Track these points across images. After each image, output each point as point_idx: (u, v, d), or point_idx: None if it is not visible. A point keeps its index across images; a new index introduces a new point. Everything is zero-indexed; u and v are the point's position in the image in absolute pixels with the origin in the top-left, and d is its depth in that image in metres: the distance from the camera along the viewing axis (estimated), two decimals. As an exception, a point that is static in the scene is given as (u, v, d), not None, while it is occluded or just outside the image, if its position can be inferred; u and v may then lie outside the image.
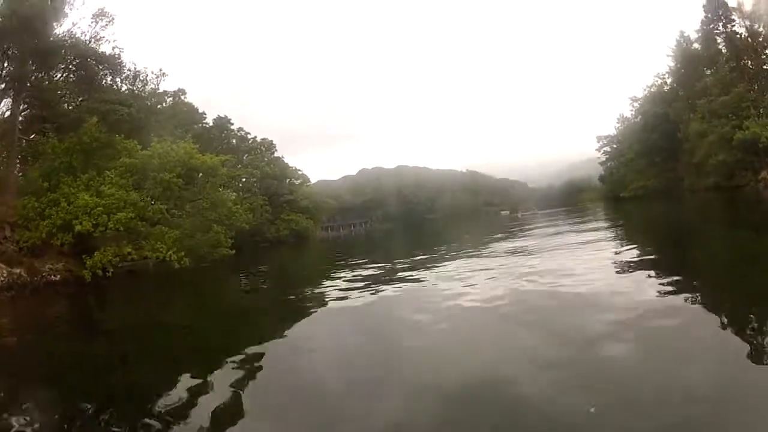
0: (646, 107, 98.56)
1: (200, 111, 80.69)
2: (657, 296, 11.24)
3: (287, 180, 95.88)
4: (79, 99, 39.02)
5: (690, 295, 11.13)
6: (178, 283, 32.41)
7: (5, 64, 36.57)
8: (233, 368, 9.84)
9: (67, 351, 14.25)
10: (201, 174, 40.30)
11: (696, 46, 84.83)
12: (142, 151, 38.89)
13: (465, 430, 6.19)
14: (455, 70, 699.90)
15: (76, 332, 18.63)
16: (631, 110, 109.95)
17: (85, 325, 20.29)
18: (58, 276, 31.92)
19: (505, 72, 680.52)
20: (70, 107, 37.95)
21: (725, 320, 8.82)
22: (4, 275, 29.23)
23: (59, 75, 39.62)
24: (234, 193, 50.47)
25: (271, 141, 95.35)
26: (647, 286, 12.79)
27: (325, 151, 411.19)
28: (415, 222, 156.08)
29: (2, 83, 36.15)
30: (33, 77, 37.79)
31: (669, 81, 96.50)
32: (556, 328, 9.75)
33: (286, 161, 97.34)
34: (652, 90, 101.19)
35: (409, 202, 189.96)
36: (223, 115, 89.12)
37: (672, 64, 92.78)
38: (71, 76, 40.13)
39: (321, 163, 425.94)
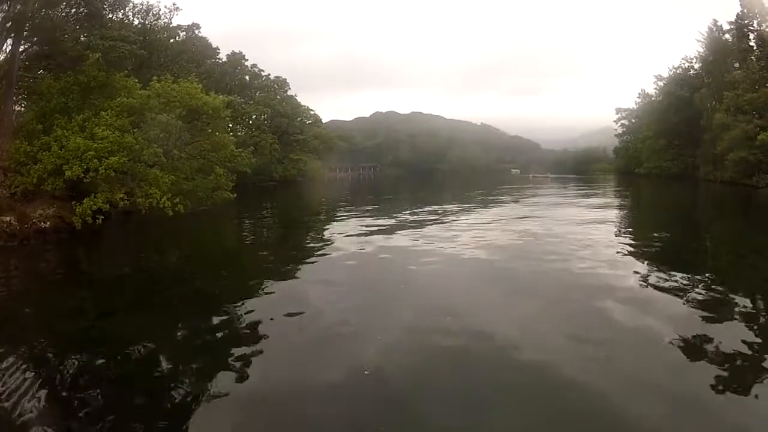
0: (670, 88, 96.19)
1: (214, 46, 77.71)
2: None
3: (298, 119, 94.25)
4: (81, 36, 37.26)
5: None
6: (174, 229, 32.79)
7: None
8: (224, 318, 10.93)
9: (55, 304, 14.46)
10: (203, 116, 38.80)
11: (727, 37, 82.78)
12: (141, 90, 37.21)
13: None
14: (477, 18, 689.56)
15: (63, 284, 18.57)
16: (655, 88, 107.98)
17: (73, 276, 20.09)
18: (48, 223, 30.13)
19: (530, 28, 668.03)
20: (71, 45, 36.11)
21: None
22: None
23: (63, 12, 37.80)
24: (233, 136, 48.45)
25: (285, 79, 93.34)
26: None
27: (339, 92, 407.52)
28: (425, 170, 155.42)
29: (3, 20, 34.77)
30: (36, 14, 36.07)
31: (696, 66, 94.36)
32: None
33: (299, 100, 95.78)
34: (678, 72, 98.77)
35: (421, 150, 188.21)
36: (237, 51, 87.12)
37: (701, 50, 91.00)
38: (77, 12, 38.43)
39: (335, 104, 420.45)
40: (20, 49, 34.92)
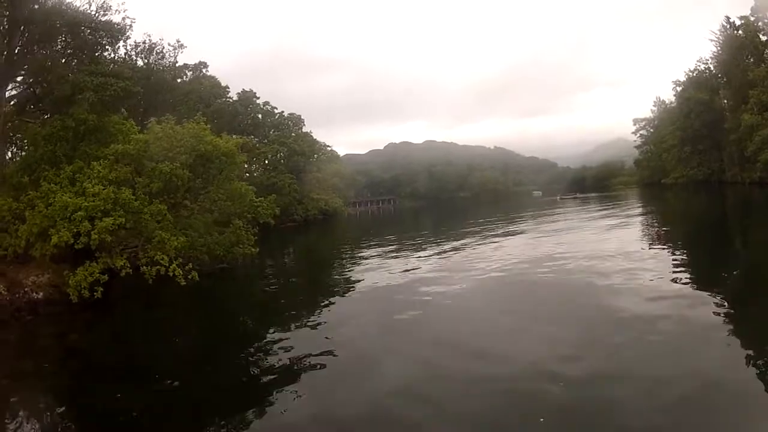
0: (688, 92, 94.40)
1: (223, 85, 76.67)
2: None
3: (315, 156, 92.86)
4: (69, 74, 33.88)
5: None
6: (189, 293, 27.63)
7: None
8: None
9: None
10: (215, 161, 34.48)
11: (740, 33, 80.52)
12: (140, 134, 33.06)
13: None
14: (483, 43, 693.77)
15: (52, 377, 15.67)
16: (674, 94, 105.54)
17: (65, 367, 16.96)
18: (41, 294, 26.61)
19: (536, 47, 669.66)
20: (57, 83, 32.94)
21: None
22: None
23: (55, 48, 34.91)
24: (249, 177, 45.59)
25: (299, 116, 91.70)
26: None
27: (352, 126, 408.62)
28: (446, 200, 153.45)
29: None
30: (26, 51, 33.19)
31: (712, 67, 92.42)
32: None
33: (314, 136, 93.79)
34: (694, 75, 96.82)
35: (439, 179, 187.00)
36: (248, 89, 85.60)
37: (715, 49, 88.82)
38: (65, 47, 35.47)
39: (348, 137, 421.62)
40: (9, 92, 32.39)
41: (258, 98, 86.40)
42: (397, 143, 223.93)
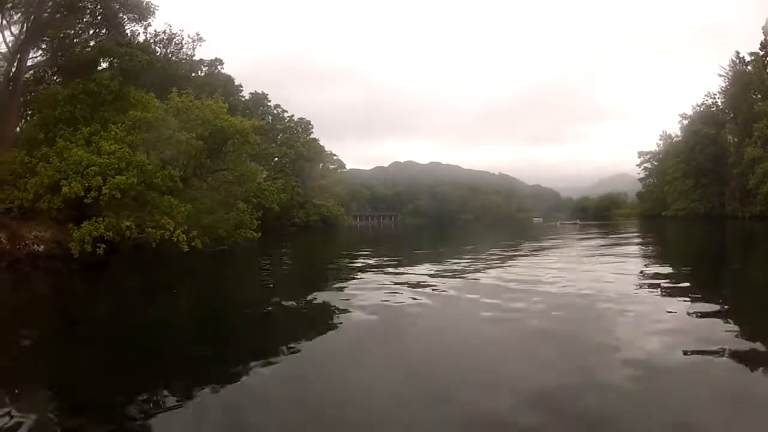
0: (695, 126, 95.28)
1: (237, 83, 77.60)
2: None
3: (321, 164, 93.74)
4: (94, 41, 34.19)
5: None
6: (189, 267, 27.51)
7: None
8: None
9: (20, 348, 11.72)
10: (228, 141, 34.62)
11: (750, 69, 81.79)
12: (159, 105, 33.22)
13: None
14: (493, 67, 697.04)
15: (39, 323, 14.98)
16: (680, 127, 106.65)
17: (59, 315, 16.61)
18: (42, 247, 26.78)
19: (549, 75, 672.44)
20: (81, 48, 33.24)
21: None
22: None
23: (79, 18, 35.15)
24: (265, 171, 45.94)
25: (309, 121, 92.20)
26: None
27: (357, 142, 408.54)
28: (447, 220, 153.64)
29: (12, 22, 32.60)
30: (49, 20, 33.53)
31: (720, 102, 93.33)
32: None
33: (322, 144, 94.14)
34: (701, 109, 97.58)
35: (441, 200, 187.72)
36: (260, 91, 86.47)
37: (723, 84, 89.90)
38: (92, 18, 35.76)
39: (353, 153, 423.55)
40: (30, 58, 32.82)
41: (269, 101, 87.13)
42: (402, 162, 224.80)
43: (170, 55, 55.62)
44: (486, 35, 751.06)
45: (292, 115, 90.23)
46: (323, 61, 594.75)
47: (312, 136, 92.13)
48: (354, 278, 21.30)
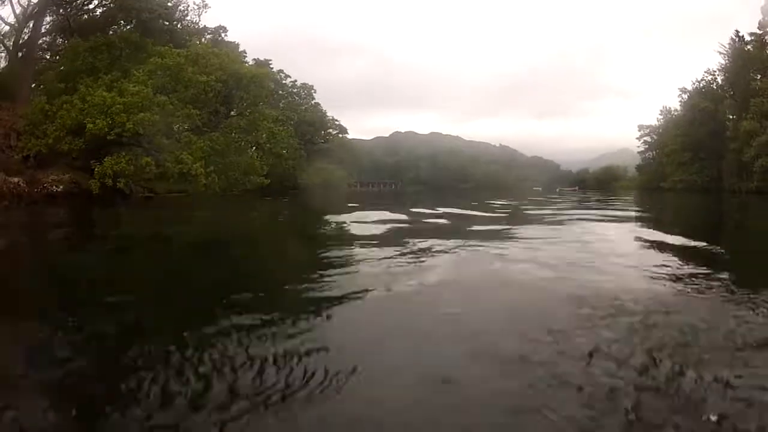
0: (694, 101, 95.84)
1: (240, 49, 76.30)
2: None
3: (323, 131, 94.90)
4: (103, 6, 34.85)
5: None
6: (200, 208, 27.67)
7: None
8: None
9: (57, 263, 11.79)
10: (243, 86, 35.22)
11: (749, 48, 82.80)
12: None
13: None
14: (498, 41, 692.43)
15: (69, 243, 15.67)
16: (680, 101, 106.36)
17: (82, 236, 17.41)
18: (61, 187, 27.46)
19: (549, 51, 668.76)
20: (103, 4, 33.96)
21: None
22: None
23: None
24: (272, 112, 45.88)
25: (311, 86, 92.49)
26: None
27: (358, 112, 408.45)
28: (447, 188, 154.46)
29: None
30: None
31: (719, 79, 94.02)
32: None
33: (324, 110, 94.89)
34: (701, 85, 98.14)
35: (442, 168, 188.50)
36: (262, 59, 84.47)
37: (723, 61, 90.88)
38: None
39: (353, 124, 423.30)
40: (43, 25, 33.53)
41: (272, 67, 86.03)
42: (403, 132, 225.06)
43: (175, 22, 55.98)
44: (492, 10, 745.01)
45: (295, 81, 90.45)
46: (326, 33, 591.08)
47: (314, 101, 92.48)
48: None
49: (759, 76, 78.11)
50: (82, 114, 28.11)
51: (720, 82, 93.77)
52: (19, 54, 33.68)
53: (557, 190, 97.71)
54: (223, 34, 71.89)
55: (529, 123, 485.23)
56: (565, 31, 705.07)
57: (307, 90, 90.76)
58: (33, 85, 35.50)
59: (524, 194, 72.95)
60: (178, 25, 54.97)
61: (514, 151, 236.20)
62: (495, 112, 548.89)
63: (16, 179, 26.09)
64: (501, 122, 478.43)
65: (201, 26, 64.31)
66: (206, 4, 60.11)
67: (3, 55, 34.71)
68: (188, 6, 58.21)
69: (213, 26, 70.21)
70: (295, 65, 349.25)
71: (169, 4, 51.44)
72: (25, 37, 33.91)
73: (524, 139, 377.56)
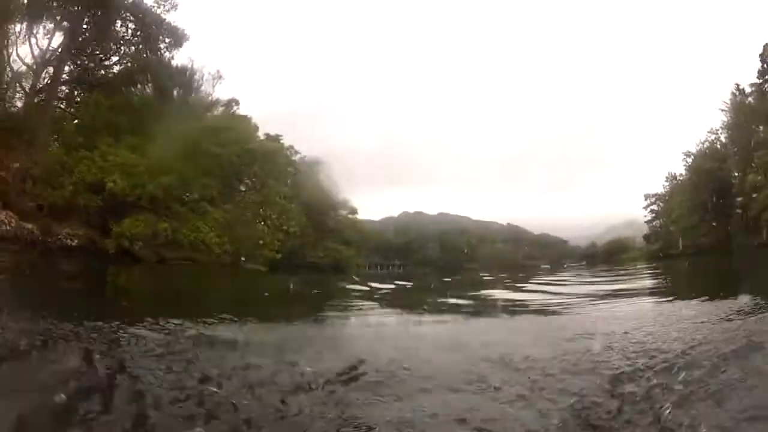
0: (698, 162, 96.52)
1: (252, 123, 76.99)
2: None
3: (332, 211, 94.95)
4: (128, 60, 35.60)
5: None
6: (212, 279, 27.26)
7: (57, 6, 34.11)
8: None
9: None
10: (258, 162, 35.68)
11: (750, 100, 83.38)
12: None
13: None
14: (504, 115, 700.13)
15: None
16: (684, 165, 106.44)
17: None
18: (76, 241, 27.77)
19: (557, 121, 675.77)
20: (123, 62, 34.80)
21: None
22: (12, 225, 26.28)
23: (115, 32, 36.63)
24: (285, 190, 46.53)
25: (321, 162, 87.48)
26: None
27: (365, 192, 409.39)
28: (454, 269, 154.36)
29: (52, 23, 33.81)
30: (87, 31, 35.00)
31: (723, 137, 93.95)
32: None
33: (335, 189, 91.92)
34: (704, 146, 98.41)
35: (450, 249, 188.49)
36: (273, 134, 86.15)
37: (725, 118, 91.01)
38: (131, 33, 37.24)
39: (361, 203, 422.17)
40: (66, 67, 34.39)
41: (282, 142, 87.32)
42: (411, 213, 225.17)
43: (188, 96, 57.18)
44: (492, 86, 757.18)
45: (305, 156, 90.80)
46: (333, 106, 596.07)
47: (323, 178, 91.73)
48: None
49: (761, 128, 78.59)
50: (102, 172, 27.98)
51: (723, 140, 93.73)
52: (36, 99, 34.24)
53: (565, 265, 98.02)
54: (235, 107, 73.38)
55: (535, 198, 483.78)
56: (563, 105, 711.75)
57: (317, 166, 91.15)
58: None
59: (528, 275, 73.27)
60: (192, 95, 56.25)
61: (521, 229, 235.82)
62: (500, 188, 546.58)
63: (29, 225, 26.20)
64: (507, 198, 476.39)
65: (214, 98, 65.85)
66: (221, 76, 61.60)
67: (19, 95, 35.54)
68: (203, 76, 59.77)
69: (225, 98, 71.92)
70: (301, 137, 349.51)
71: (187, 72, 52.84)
72: (43, 82, 34.57)
73: (531, 216, 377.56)
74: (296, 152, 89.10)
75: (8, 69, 35.75)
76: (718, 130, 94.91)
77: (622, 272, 46.27)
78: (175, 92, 36.86)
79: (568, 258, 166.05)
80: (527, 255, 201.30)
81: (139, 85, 35.54)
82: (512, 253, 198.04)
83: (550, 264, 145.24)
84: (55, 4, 35.47)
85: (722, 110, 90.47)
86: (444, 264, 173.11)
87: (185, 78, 40.10)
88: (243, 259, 34.05)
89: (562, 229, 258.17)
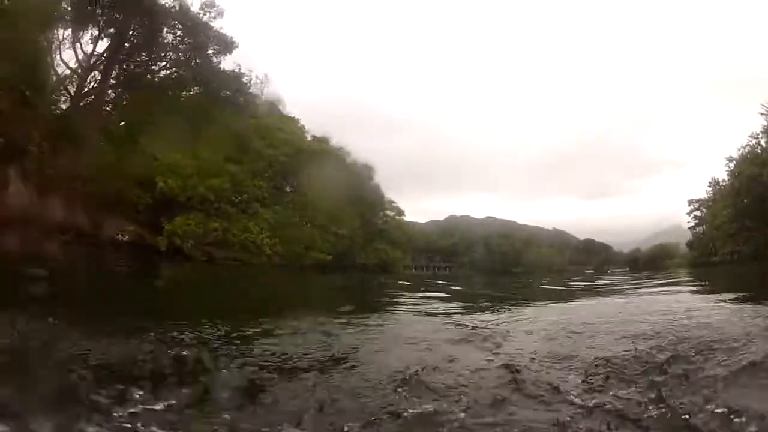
0: (740, 168, 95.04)
1: (299, 124, 75.20)
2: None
3: (381, 212, 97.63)
4: (176, 66, 36.98)
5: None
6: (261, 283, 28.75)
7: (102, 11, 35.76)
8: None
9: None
10: (306, 163, 35.37)
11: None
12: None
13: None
14: (549, 119, 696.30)
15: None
16: (726, 170, 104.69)
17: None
18: (126, 237, 29.18)
19: (600, 126, 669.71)
20: (170, 68, 35.79)
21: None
22: (62, 216, 26.57)
23: (162, 37, 38.22)
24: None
25: (371, 167, 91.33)
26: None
27: (412, 195, 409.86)
28: (500, 272, 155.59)
29: (97, 30, 34.77)
30: (135, 31, 36.78)
31: (763, 141, 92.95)
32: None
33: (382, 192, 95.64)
34: (746, 150, 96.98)
35: (496, 252, 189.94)
36: (319, 135, 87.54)
37: (765, 123, 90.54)
38: (181, 40, 38.93)
39: (408, 206, 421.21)
40: (114, 72, 35.32)
41: (331, 143, 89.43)
42: (458, 216, 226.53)
43: (238, 94, 58.77)
44: (541, 92, 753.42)
45: (355, 160, 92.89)
46: (380, 108, 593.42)
47: (373, 182, 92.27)
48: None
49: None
50: (152, 170, 29.57)
51: (764, 144, 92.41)
52: (82, 102, 35.28)
53: (608, 271, 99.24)
54: (279, 107, 75.27)
55: (580, 204, 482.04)
56: (610, 108, 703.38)
57: (368, 170, 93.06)
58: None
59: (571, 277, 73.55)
60: (241, 98, 58.16)
61: (567, 234, 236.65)
62: (547, 193, 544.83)
63: (80, 218, 27.47)
64: (553, 203, 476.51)
65: (262, 99, 67.80)
66: (268, 79, 62.98)
67: (64, 98, 37.09)
68: (251, 79, 61.77)
69: (272, 99, 73.79)
70: (350, 142, 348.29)
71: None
72: (89, 86, 35.93)
73: (576, 221, 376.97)
74: (348, 153, 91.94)
75: (52, 72, 36.23)
76: (758, 134, 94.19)
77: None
78: (222, 94, 38.25)
79: (612, 263, 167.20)
80: (571, 260, 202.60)
81: (187, 88, 37.05)
82: (557, 257, 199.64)
83: (595, 269, 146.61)
84: (99, 11, 36.24)
85: (762, 114, 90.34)
86: (490, 266, 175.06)
87: (233, 81, 41.89)
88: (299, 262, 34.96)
89: (607, 234, 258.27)
